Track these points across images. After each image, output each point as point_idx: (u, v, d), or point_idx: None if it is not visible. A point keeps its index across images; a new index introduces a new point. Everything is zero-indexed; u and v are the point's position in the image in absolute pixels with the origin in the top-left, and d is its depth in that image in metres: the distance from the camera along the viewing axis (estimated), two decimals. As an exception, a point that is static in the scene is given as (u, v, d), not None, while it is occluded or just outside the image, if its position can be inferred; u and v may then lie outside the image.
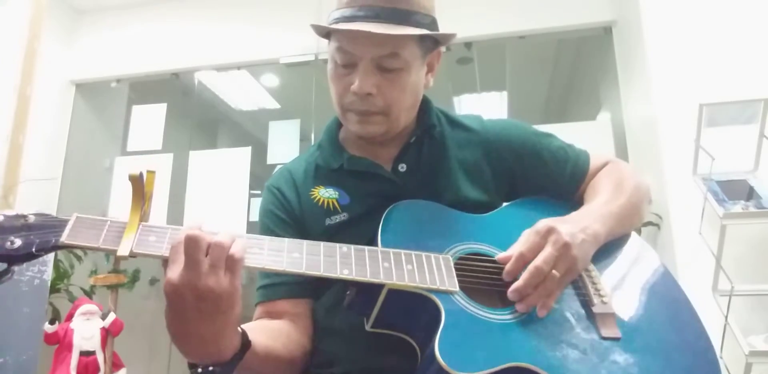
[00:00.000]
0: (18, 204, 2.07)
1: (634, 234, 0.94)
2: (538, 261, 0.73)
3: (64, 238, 0.61)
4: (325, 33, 0.90)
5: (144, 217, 0.66)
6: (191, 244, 0.60)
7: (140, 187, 0.65)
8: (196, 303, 0.61)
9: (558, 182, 0.97)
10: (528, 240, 0.76)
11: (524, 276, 0.72)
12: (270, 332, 0.81)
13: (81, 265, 3.04)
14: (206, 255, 0.61)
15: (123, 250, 0.62)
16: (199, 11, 3.61)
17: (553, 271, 0.72)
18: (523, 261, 0.74)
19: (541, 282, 0.73)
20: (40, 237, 0.60)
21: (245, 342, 0.69)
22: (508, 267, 0.75)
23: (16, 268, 0.60)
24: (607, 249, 0.86)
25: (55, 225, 0.62)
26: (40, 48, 2.24)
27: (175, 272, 0.60)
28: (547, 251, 0.74)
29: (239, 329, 0.69)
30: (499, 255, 0.78)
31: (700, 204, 2.06)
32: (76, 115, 3.71)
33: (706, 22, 2.40)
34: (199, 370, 0.65)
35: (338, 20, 0.85)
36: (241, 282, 0.64)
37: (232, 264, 0.62)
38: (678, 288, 0.86)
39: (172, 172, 3.35)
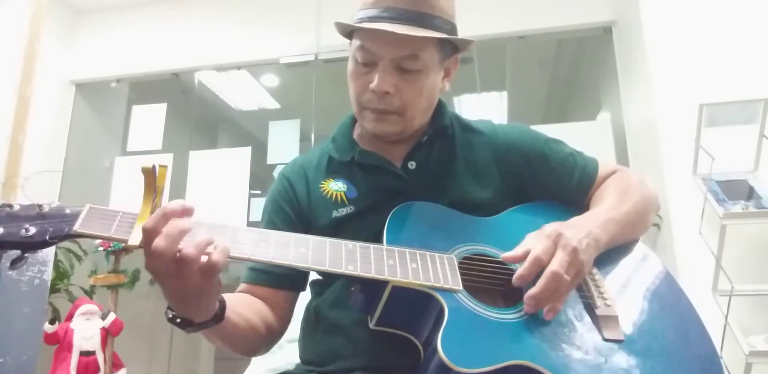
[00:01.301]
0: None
1: (641, 244, 0.95)
2: (555, 266, 0.73)
3: (77, 227, 0.63)
4: (348, 32, 0.92)
5: (155, 209, 0.67)
6: (169, 246, 0.61)
7: (152, 180, 0.66)
8: (175, 288, 0.65)
9: (566, 188, 0.98)
10: (540, 244, 0.76)
11: (542, 282, 0.72)
12: (248, 307, 0.86)
13: (81, 265, 3.04)
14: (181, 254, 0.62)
15: (134, 240, 0.63)
16: (199, 11, 3.61)
17: (565, 275, 0.73)
18: (539, 265, 0.74)
19: (557, 287, 0.73)
20: (53, 225, 0.63)
21: (218, 315, 0.73)
22: (522, 271, 0.74)
23: (28, 255, 0.62)
24: (611, 253, 0.87)
25: (69, 214, 0.64)
26: (40, 48, 2.24)
27: (153, 262, 0.62)
28: (560, 256, 0.74)
29: (217, 303, 0.72)
30: (506, 254, 0.78)
31: (700, 204, 2.06)
32: (76, 115, 3.71)
33: (706, 22, 2.40)
34: (169, 314, 0.70)
35: (362, 20, 0.87)
36: (218, 276, 0.66)
37: (208, 269, 0.63)
38: (681, 292, 0.86)
39: (172, 172, 3.35)
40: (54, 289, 2.81)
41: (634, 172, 1.03)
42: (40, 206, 0.64)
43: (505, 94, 3.95)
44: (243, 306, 0.84)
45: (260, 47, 3.46)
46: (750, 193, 2.01)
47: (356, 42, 0.90)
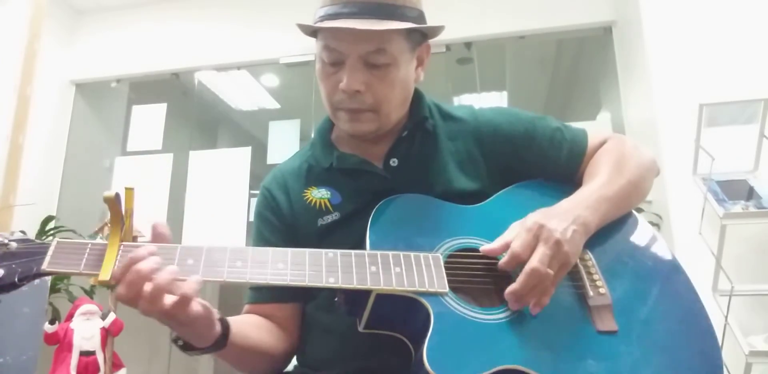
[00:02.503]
0: (18, 205, 2.07)
1: (638, 217, 0.90)
2: (534, 262, 0.70)
3: (45, 266, 0.61)
4: (312, 32, 0.89)
5: (125, 236, 0.66)
6: (131, 294, 0.62)
7: (117, 208, 0.64)
8: (159, 320, 0.65)
9: (556, 164, 0.94)
10: (519, 238, 0.74)
11: (521, 278, 0.70)
12: (258, 329, 0.85)
13: (81, 265, 3.04)
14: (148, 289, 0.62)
15: (104, 275, 0.61)
16: (199, 11, 3.61)
17: (548, 270, 0.70)
18: (517, 260, 0.72)
19: (538, 283, 0.71)
20: (21, 266, 0.60)
21: (220, 341, 0.73)
22: (501, 266, 0.73)
23: (2, 297, 0.60)
24: (606, 233, 0.83)
25: (37, 252, 0.62)
26: (40, 48, 2.24)
27: (127, 304, 0.63)
28: (541, 250, 0.71)
29: (218, 328, 0.72)
30: (484, 247, 0.76)
31: (700, 204, 2.06)
32: (76, 115, 3.71)
33: (706, 22, 2.40)
34: (173, 335, 0.71)
35: (323, 18, 0.84)
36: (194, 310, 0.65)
37: (172, 315, 0.63)
38: (681, 272, 0.82)
39: (172, 172, 3.35)
40: (54, 289, 2.81)
41: (626, 137, 0.98)
42: (6, 245, 0.60)
43: (505, 94, 3.95)
44: (252, 328, 0.83)
45: (260, 47, 3.46)
46: (750, 193, 2.01)
47: (320, 42, 0.86)
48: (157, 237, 0.68)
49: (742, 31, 2.34)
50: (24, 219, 2.68)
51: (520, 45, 3.30)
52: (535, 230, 0.74)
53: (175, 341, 0.71)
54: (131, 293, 0.61)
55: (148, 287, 0.61)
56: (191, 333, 0.69)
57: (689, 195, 2.17)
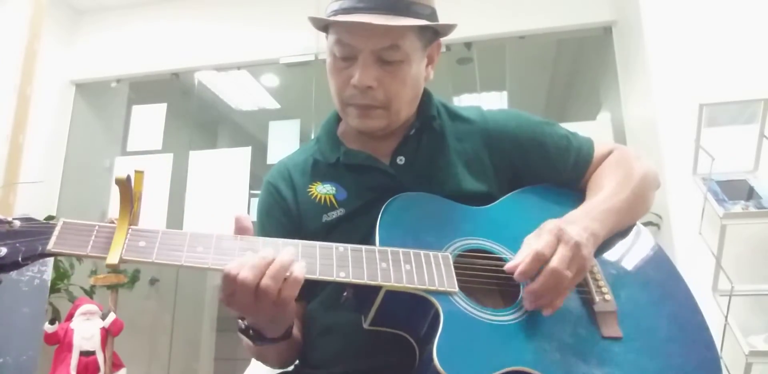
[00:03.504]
0: (18, 205, 2.07)
1: (639, 226, 0.92)
2: (555, 262, 0.71)
3: (51, 246, 0.59)
4: (323, 26, 0.89)
5: (133, 220, 0.64)
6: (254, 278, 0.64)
7: (128, 191, 0.63)
8: (252, 317, 0.70)
9: (561, 171, 0.95)
10: (541, 239, 0.74)
11: (541, 278, 0.71)
12: (298, 322, 0.89)
13: (81, 265, 3.04)
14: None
15: (112, 258, 0.60)
16: (199, 11, 3.61)
17: (567, 272, 0.71)
18: (541, 260, 0.72)
19: (557, 284, 0.71)
20: (26, 245, 0.57)
21: (289, 329, 0.76)
22: (523, 267, 0.72)
23: (2, 276, 0.58)
24: (611, 242, 0.85)
25: (42, 231, 0.59)
26: (40, 48, 2.24)
27: (232, 297, 0.65)
28: (561, 251, 0.72)
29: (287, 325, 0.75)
30: (508, 265, 0.75)
31: (700, 204, 2.06)
32: (76, 115, 3.71)
33: (706, 22, 2.40)
34: (242, 325, 0.73)
35: (336, 12, 0.84)
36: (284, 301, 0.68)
37: (280, 302, 0.66)
38: (681, 282, 0.85)
39: (172, 172, 3.35)
40: (54, 289, 2.81)
41: (630, 149, 0.99)
42: (10, 223, 0.58)
43: (505, 94, 3.95)
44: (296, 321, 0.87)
45: (260, 47, 3.46)
46: (750, 193, 2.01)
47: (333, 36, 0.86)
48: (240, 231, 0.70)
49: (742, 31, 2.34)
50: (24, 219, 2.68)
51: (520, 45, 3.30)
52: (555, 231, 0.74)
53: (245, 331, 0.73)
54: (256, 278, 0.64)
55: (270, 271, 0.64)
56: (275, 324, 0.72)
57: (689, 195, 2.17)
